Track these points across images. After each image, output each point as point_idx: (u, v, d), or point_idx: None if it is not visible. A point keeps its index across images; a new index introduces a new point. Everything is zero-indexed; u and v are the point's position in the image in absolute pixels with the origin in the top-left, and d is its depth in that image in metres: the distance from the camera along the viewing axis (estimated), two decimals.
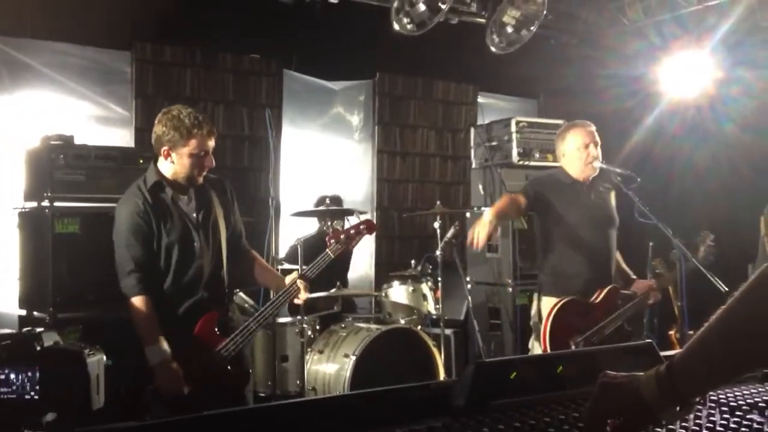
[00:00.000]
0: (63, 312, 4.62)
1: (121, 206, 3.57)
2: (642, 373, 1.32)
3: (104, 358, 2.36)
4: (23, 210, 5.04)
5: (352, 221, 3.79)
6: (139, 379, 3.40)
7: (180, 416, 1.30)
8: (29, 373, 2.08)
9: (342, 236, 3.75)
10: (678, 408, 1.29)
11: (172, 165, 3.50)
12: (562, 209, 4.45)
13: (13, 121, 5.97)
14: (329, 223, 5.95)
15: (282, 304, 3.76)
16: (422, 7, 5.73)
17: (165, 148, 3.47)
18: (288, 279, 3.72)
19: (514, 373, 1.50)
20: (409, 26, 5.71)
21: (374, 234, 3.84)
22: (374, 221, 7.38)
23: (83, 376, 2.14)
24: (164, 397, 3.34)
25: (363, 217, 3.86)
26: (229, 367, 3.53)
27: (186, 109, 3.50)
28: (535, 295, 4.62)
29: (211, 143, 3.51)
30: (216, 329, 3.55)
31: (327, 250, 3.75)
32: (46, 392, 2.07)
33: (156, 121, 3.53)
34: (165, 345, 3.38)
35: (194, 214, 3.59)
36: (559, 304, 4.24)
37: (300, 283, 3.66)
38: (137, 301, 3.43)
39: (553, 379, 1.56)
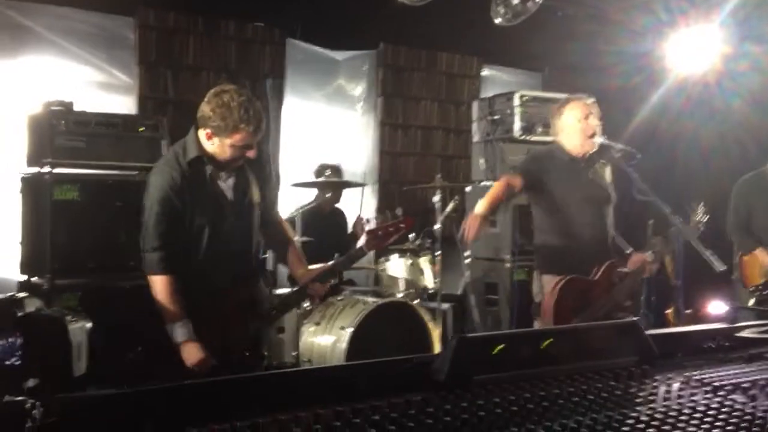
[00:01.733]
0: (61, 278, 4.65)
1: (155, 176, 3.38)
2: None
3: (87, 324, 2.37)
4: (24, 175, 5.05)
5: (389, 217, 3.66)
6: (129, 346, 3.37)
7: (167, 384, 1.30)
8: (10, 339, 2.08)
9: (380, 233, 3.61)
10: None
11: (212, 146, 3.34)
12: (559, 187, 4.42)
13: (15, 85, 5.96)
14: (328, 195, 5.95)
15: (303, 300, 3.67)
16: None
17: (208, 131, 3.30)
18: (307, 278, 3.58)
19: (498, 349, 1.50)
20: None
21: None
22: (378, 200, 7.40)
23: (65, 342, 2.15)
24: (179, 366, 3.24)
25: (399, 214, 3.75)
26: (246, 353, 3.46)
27: (240, 96, 3.28)
28: (535, 275, 4.60)
29: (258, 137, 3.34)
30: (242, 313, 3.46)
31: (362, 245, 3.61)
32: (27, 358, 2.08)
33: (206, 99, 3.33)
34: (188, 324, 3.28)
35: (231, 192, 3.45)
36: (560, 284, 4.21)
37: (319, 287, 3.56)
38: (159, 280, 3.29)
39: (536, 355, 1.56)
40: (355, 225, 6.24)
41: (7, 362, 2.07)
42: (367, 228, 3.73)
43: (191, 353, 3.27)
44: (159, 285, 3.29)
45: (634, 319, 1.77)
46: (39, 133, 4.86)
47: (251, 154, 3.38)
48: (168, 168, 3.35)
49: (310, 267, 3.66)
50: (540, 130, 6.38)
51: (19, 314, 2.19)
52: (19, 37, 6.02)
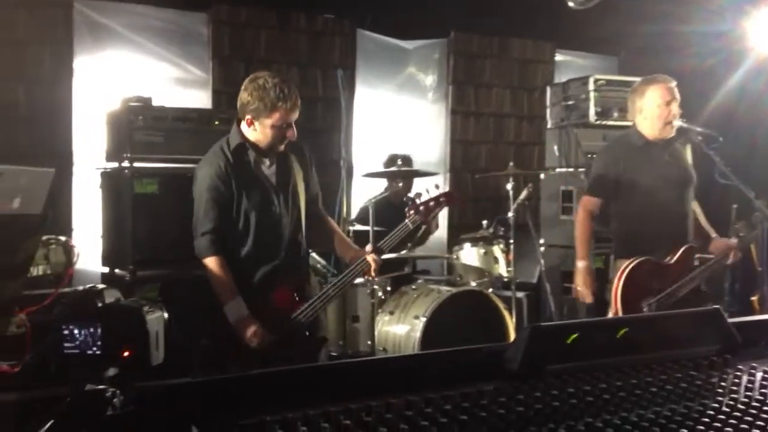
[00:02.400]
0: (142, 270, 4.77)
1: (202, 166, 3.58)
2: None
3: (164, 315, 2.43)
4: (105, 170, 5.19)
5: (431, 192, 3.72)
6: (206, 336, 3.47)
7: (242, 373, 1.32)
8: (91, 329, 2.17)
9: (421, 208, 3.69)
10: None
11: (254, 132, 3.51)
12: (635, 174, 4.33)
13: (95, 82, 6.14)
14: (399, 184, 5.95)
15: (356, 276, 3.74)
16: None
17: (249, 116, 3.48)
18: (366, 249, 3.68)
19: (572, 338, 1.47)
20: None
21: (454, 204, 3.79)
22: (450, 188, 7.38)
23: (142, 332, 2.22)
24: (249, 352, 3.37)
25: (440, 188, 3.79)
26: (307, 333, 3.55)
27: (273, 78, 3.47)
28: (611, 261, 4.54)
29: (295, 116, 3.49)
30: (294, 295, 3.56)
31: (406, 220, 3.69)
32: (107, 348, 2.15)
33: (242, 87, 3.52)
34: (241, 301, 3.42)
35: (274, 178, 3.60)
36: (631, 265, 4.14)
37: (371, 260, 3.61)
38: (210, 261, 3.47)
39: (613, 344, 1.52)
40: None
41: (89, 352, 2.15)
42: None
43: (247, 331, 3.38)
44: (212, 266, 3.46)
45: (716, 306, 1.71)
46: (118, 129, 4.98)
47: (291, 134, 3.50)
48: (214, 158, 3.54)
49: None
50: (616, 114, 6.23)
51: (99, 305, 2.27)
52: (98, 35, 6.20)
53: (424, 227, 3.71)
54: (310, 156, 3.80)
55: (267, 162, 3.60)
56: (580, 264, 4.42)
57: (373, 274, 3.70)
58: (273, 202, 3.57)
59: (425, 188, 3.78)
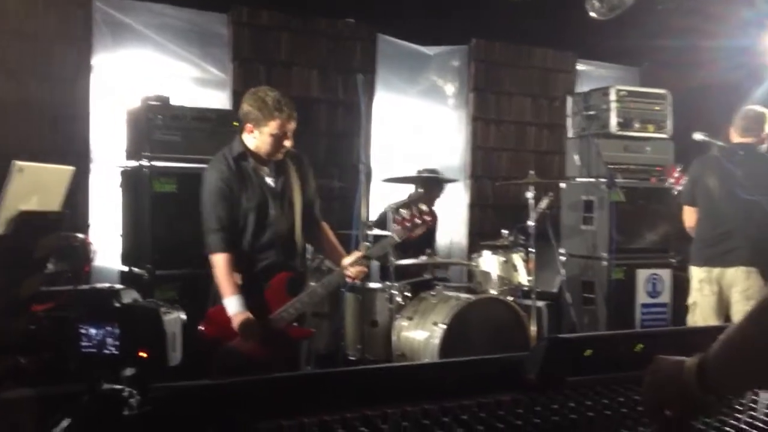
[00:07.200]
0: (161, 269, 4.80)
1: (208, 171, 3.87)
2: (687, 360, 1.21)
3: (181, 316, 2.45)
4: (125, 169, 5.22)
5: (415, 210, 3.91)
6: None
7: (259, 376, 1.32)
8: (108, 329, 2.19)
9: (407, 224, 3.90)
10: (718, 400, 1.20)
11: (254, 140, 3.79)
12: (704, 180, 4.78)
13: (115, 80, 6.14)
14: (420, 190, 5.94)
15: (329, 289, 4.01)
16: None
17: (249, 124, 3.78)
18: (345, 261, 3.87)
19: (590, 350, 1.45)
20: None
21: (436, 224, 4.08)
22: (470, 195, 7.36)
23: (159, 333, 2.24)
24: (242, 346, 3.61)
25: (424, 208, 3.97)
26: (295, 324, 3.81)
27: (272, 92, 3.80)
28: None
29: (291, 126, 3.79)
30: (286, 289, 3.81)
31: (392, 234, 3.98)
32: (124, 348, 2.18)
33: (244, 98, 3.85)
34: (240, 298, 3.66)
35: (272, 184, 3.87)
36: None
37: (349, 272, 3.83)
38: (219, 257, 3.72)
39: (631, 358, 1.51)
40: None
41: (105, 351, 2.17)
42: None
43: (242, 325, 3.63)
44: (220, 262, 3.73)
45: None
46: (137, 127, 5.01)
47: (288, 143, 3.80)
48: (218, 163, 3.84)
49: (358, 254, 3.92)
50: (637, 125, 6.22)
51: (117, 305, 2.30)
52: (119, 33, 6.18)
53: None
54: (308, 165, 4.07)
55: (266, 169, 3.89)
56: None
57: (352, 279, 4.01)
58: (269, 205, 3.84)
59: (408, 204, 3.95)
